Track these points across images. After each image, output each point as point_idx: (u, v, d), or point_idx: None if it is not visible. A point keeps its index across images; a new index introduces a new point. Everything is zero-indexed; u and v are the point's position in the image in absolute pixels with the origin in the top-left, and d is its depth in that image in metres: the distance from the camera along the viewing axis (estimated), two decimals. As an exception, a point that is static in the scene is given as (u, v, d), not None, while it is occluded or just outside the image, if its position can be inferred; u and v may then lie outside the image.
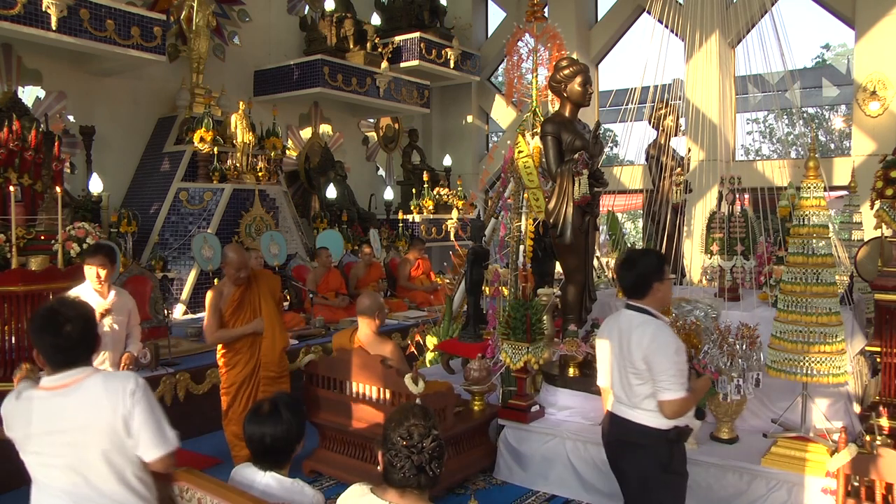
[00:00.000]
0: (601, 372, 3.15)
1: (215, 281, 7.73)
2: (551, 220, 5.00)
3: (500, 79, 13.64)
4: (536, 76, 5.54)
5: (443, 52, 12.30)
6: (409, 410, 2.07)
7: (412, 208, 11.29)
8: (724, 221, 5.47)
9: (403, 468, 1.97)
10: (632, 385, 2.89)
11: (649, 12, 6.43)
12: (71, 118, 8.60)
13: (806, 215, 3.77)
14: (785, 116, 13.77)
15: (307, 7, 11.70)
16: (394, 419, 2.06)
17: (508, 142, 5.60)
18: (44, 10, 7.12)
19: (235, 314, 4.54)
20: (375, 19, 11.93)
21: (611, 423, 3.04)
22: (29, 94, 8.18)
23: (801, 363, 3.62)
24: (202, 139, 8.50)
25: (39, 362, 2.48)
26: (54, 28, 7.21)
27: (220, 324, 4.51)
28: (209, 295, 4.52)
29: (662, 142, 6.52)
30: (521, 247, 5.06)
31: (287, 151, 10.31)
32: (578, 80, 5.04)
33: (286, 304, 7.99)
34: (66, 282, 4.95)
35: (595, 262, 6.07)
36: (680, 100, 6.96)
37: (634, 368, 2.86)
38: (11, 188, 4.61)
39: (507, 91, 5.82)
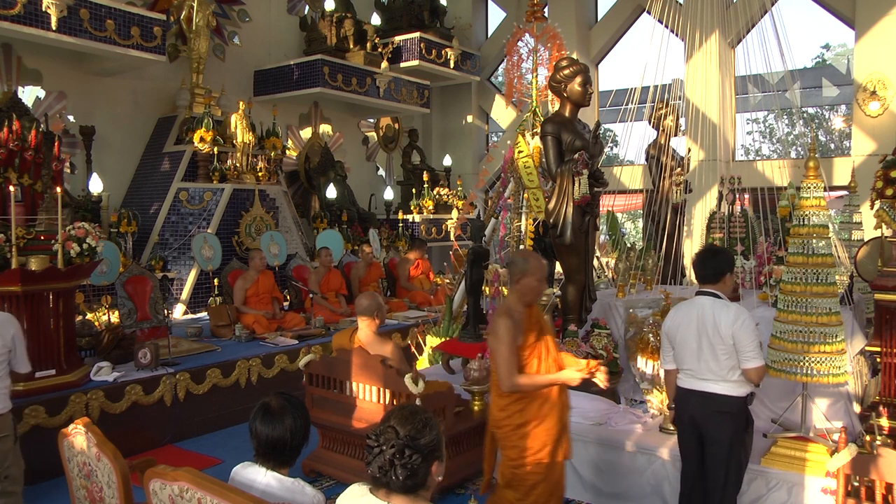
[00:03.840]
0: (670, 356, 3.52)
1: (215, 281, 7.75)
2: (551, 220, 5.00)
3: (500, 79, 13.63)
4: (536, 76, 5.54)
5: (443, 52, 12.31)
6: (396, 412, 2.05)
7: (412, 208, 11.30)
8: (724, 221, 5.49)
9: (371, 465, 1.97)
10: (719, 360, 3.28)
11: (649, 12, 6.44)
12: (71, 118, 8.60)
13: (806, 215, 3.77)
14: (785, 116, 13.77)
15: (307, 7, 11.70)
16: (384, 417, 2.06)
17: (508, 142, 5.60)
18: (44, 10, 7.13)
19: (531, 352, 3.24)
20: (375, 19, 11.93)
21: (692, 397, 3.39)
22: (29, 94, 8.18)
23: (801, 363, 3.63)
24: (202, 139, 8.50)
25: None
26: (54, 28, 7.22)
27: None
28: (503, 324, 3.13)
29: (662, 142, 6.53)
30: (521, 247, 5.06)
31: (287, 151, 10.32)
32: (578, 80, 5.05)
33: (286, 303, 7.99)
34: (66, 282, 4.96)
35: (595, 262, 6.07)
36: (680, 100, 6.96)
37: (723, 344, 3.26)
38: (11, 188, 4.59)
39: (507, 91, 5.82)
